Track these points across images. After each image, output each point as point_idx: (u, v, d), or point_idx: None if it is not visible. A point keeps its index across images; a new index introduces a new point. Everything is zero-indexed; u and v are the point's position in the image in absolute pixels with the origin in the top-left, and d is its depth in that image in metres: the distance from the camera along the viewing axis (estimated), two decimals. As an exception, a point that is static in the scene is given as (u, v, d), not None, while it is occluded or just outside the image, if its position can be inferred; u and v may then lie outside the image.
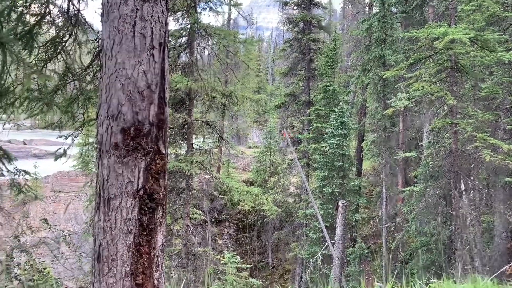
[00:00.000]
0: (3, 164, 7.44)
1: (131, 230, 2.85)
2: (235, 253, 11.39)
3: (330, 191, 17.28)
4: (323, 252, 17.14)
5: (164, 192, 3.06)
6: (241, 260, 12.06)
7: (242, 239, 25.72)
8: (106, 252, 2.85)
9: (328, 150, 18.00)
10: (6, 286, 3.85)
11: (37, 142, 46.99)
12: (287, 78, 23.53)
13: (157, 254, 3.05)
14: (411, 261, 15.55)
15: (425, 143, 15.69)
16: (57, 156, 4.97)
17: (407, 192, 15.30)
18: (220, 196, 17.23)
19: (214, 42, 5.11)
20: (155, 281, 3.02)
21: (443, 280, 4.73)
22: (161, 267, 3.10)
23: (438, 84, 10.88)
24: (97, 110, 2.93)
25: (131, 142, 2.81)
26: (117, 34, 2.77)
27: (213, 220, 23.46)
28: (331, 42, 22.40)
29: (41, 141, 47.99)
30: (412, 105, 13.55)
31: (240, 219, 26.15)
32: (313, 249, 17.77)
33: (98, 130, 2.94)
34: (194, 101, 8.85)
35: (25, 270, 3.68)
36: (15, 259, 3.86)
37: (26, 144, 43.30)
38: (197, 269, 8.81)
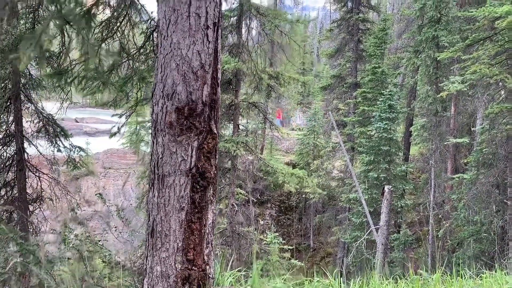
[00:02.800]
0: (60, 140, 7.85)
1: (184, 207, 2.93)
2: (277, 234, 11.48)
3: (376, 176, 16.92)
4: (367, 237, 16.96)
5: (215, 171, 3.11)
6: (283, 242, 12.14)
7: (284, 220, 25.86)
8: (160, 227, 2.95)
9: (375, 134, 17.57)
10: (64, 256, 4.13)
11: (88, 120, 48.93)
12: (334, 60, 23.03)
13: (207, 232, 3.12)
14: (459, 250, 15.06)
15: (478, 128, 14.95)
16: (111, 134, 5.17)
17: (457, 179, 14.72)
18: (264, 177, 17.33)
19: (264, 22, 5.05)
20: (205, 257, 3.10)
21: (495, 271, 4.53)
22: (211, 244, 3.17)
23: (496, 67, 10.27)
24: (153, 89, 2.99)
25: (185, 121, 2.86)
26: (172, 14, 2.79)
27: (255, 201, 23.71)
28: (380, 22, 21.54)
29: (92, 119, 49.99)
30: (466, 89, 12.92)
31: (282, 201, 26.27)
32: (356, 233, 17.58)
33: (153, 109, 3.00)
34: (241, 82, 8.90)
35: (81, 241, 3.91)
36: (73, 231, 4.10)
37: (78, 122, 45.29)
38: (240, 247, 8.97)
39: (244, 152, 9.29)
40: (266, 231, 19.08)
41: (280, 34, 5.83)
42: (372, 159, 17.23)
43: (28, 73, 7.01)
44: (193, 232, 2.99)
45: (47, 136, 7.57)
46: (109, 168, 26.04)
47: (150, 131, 3.02)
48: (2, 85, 6.85)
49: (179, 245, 2.94)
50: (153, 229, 2.98)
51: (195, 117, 2.88)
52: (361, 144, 18.85)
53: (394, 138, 17.38)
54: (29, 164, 7.36)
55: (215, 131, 3.03)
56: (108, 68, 3.99)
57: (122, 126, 5.05)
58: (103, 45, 3.96)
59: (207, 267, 3.09)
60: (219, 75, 3.03)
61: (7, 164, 7.22)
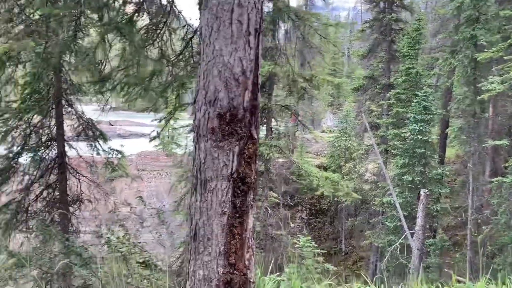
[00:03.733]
0: (99, 143, 8.09)
1: (225, 211, 2.96)
2: (310, 237, 11.38)
3: (410, 179, 16.56)
4: (401, 241, 16.59)
5: (255, 176, 3.13)
6: (315, 245, 12.04)
7: (315, 224, 25.68)
8: (202, 231, 2.98)
9: (409, 136, 17.21)
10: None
11: (121, 123, 50.14)
12: (366, 60, 22.72)
13: (248, 236, 3.14)
14: (499, 256, 14.52)
15: (519, 130, 14.38)
16: (151, 138, 5.31)
17: (496, 182, 14.20)
18: (297, 180, 17.27)
19: (300, 24, 5.03)
20: (246, 262, 3.11)
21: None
22: (252, 249, 3.18)
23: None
24: (195, 96, 3.04)
25: (227, 127, 2.89)
26: (215, 22, 2.83)
27: (285, 203, 23.64)
28: (414, 22, 21.08)
29: (125, 122, 51.23)
30: (506, 90, 12.48)
31: (313, 204, 26.08)
32: (390, 238, 17.26)
33: (195, 115, 3.05)
34: (274, 86, 8.93)
35: (123, 243, 4.02)
36: (114, 232, 4.22)
37: (111, 125, 46.51)
38: (273, 251, 8.97)
39: (277, 155, 9.28)
40: (297, 235, 18.99)
41: (312, 36, 5.80)
42: (406, 161, 16.89)
43: (68, 79, 7.28)
44: (234, 237, 3.02)
45: (86, 140, 7.83)
46: (143, 170, 26.60)
47: (191, 136, 3.06)
48: (45, 90, 7.16)
49: (221, 249, 2.97)
50: (196, 233, 3.02)
51: (237, 122, 2.90)
52: (395, 147, 18.51)
53: (430, 140, 16.98)
54: (69, 166, 7.63)
55: (255, 136, 3.05)
56: (149, 74, 4.07)
57: (161, 130, 5.16)
58: (143, 51, 4.05)
59: (248, 271, 3.11)
60: (259, 80, 3.05)
61: (49, 167, 7.51)
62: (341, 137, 24.79)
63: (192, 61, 4.15)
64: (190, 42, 4.24)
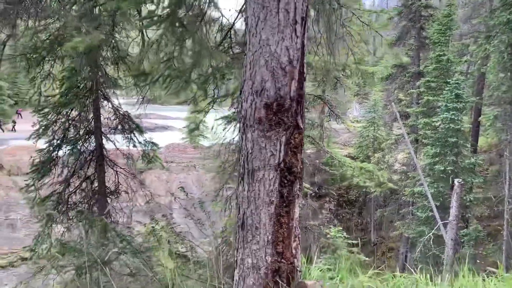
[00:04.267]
0: (135, 136, 8.26)
1: (273, 200, 2.98)
2: (341, 228, 11.37)
3: (442, 169, 16.23)
4: (430, 232, 16.30)
5: (301, 166, 3.13)
6: (346, 236, 11.99)
7: (343, 215, 25.51)
8: (250, 220, 3.02)
9: (441, 125, 16.84)
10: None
11: (147, 116, 50.64)
12: (395, 48, 22.24)
13: (294, 225, 3.16)
14: (536, 248, 14.11)
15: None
16: (190, 130, 5.38)
17: (533, 172, 13.76)
18: (329, 170, 17.15)
19: (341, 12, 4.98)
20: (293, 251, 3.14)
21: None
22: (298, 238, 3.20)
23: None
24: (241, 87, 3.06)
25: (274, 117, 2.90)
26: (261, 11, 2.83)
27: (313, 194, 23.57)
28: (445, 8, 20.51)
29: (152, 115, 51.91)
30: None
31: (341, 195, 25.90)
32: (421, 228, 17.00)
33: (241, 106, 3.07)
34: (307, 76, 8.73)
35: (168, 232, 4.10)
36: (157, 222, 4.32)
37: (138, 118, 47.02)
38: (306, 241, 8.98)
39: (310, 145, 9.23)
40: (327, 225, 18.93)
41: (353, 23, 5.69)
42: (438, 151, 16.55)
43: (105, 73, 7.43)
44: (281, 226, 3.04)
45: (123, 132, 8.00)
46: (171, 162, 26.98)
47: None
48: (83, 85, 7.34)
49: (269, 238, 2.99)
50: (244, 222, 3.06)
51: (283, 112, 2.91)
52: (426, 136, 18.15)
53: (462, 129, 16.56)
54: (107, 159, 7.82)
55: (301, 126, 3.05)
56: (190, 66, 4.10)
57: (200, 122, 5.22)
58: (184, 44, 4.07)
59: (295, 260, 3.13)
60: (305, 69, 3.04)
61: (87, 159, 7.72)
62: (369, 127, 24.45)
63: (231, 52, 4.16)
64: (229, 33, 4.25)
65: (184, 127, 32.62)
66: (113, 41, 5.63)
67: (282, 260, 3.06)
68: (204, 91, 4.09)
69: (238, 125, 6.29)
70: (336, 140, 30.53)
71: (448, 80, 17.49)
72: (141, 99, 5.61)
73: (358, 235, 24.26)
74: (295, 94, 2.94)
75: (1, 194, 23.44)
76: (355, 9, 5.24)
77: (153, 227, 3.97)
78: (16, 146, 28.68)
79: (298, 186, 3.11)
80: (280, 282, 3.05)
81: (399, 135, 21.70)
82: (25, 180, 7.31)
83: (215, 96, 4.38)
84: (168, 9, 4.03)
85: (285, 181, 3.01)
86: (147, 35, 4.80)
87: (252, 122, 2.94)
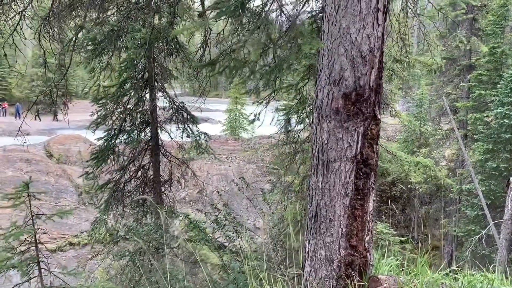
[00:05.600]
0: (189, 126, 8.38)
1: (348, 193, 2.92)
2: (388, 224, 11.11)
3: (495, 166, 15.52)
4: (480, 231, 15.68)
5: (377, 158, 3.05)
6: (394, 232, 11.71)
7: (386, 211, 24.94)
8: (324, 212, 2.98)
9: (494, 120, 16.09)
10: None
11: (189, 108, 51.26)
12: (445, 40, 21.40)
13: (368, 219, 3.09)
14: None
15: None
16: (250, 121, 5.39)
17: None
18: (383, 165, 16.72)
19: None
20: (366, 245, 3.07)
21: None
22: (371, 231, 3.13)
23: None
24: (317, 76, 3.00)
25: (352, 107, 2.84)
26: (342, -1, 2.76)
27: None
28: (500, -3, 19.48)
29: (189, 107, 52.45)
30: None
31: (383, 191, 25.32)
32: (470, 227, 16.39)
33: (317, 95, 3.02)
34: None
35: (231, 222, 4.15)
36: (221, 211, 4.37)
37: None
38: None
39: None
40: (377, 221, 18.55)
41: (417, 14, 5.46)
42: (490, 147, 15.83)
43: (160, 64, 7.58)
44: (356, 219, 2.98)
45: (177, 123, 8.14)
46: (212, 153, 27.26)
47: (313, 116, 3.03)
48: (140, 76, 7.51)
49: (343, 230, 2.95)
50: (317, 214, 3.02)
51: (362, 102, 2.84)
52: (477, 131, 17.41)
53: (517, 124, 15.75)
54: (162, 148, 7.99)
55: (379, 117, 2.97)
56: (256, 56, 4.06)
57: (259, 113, 5.23)
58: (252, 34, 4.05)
59: (368, 254, 3.07)
60: (384, 58, 2.95)
61: (143, 149, 7.91)
62: (415, 122, 23.69)
63: (294, 42, 4.09)
64: (292, 23, 4.19)
65: (225, 119, 32.68)
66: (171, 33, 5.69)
67: (355, 253, 3.01)
68: (267, 81, 4.07)
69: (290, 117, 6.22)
70: (381, 135, 29.84)
71: (503, 73, 16.66)
72: (201, 90, 5.67)
73: (401, 232, 23.69)
74: (374, 84, 2.86)
75: (51, 181, 24.52)
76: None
77: (216, 215, 4.00)
78: (65, 135, 29.89)
79: (373, 179, 3.04)
80: (354, 275, 3.00)
81: (447, 130, 20.94)
82: (84, 168, 7.60)
83: (278, 87, 4.35)
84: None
85: (361, 173, 2.94)
86: (209, 27, 4.82)
87: (329, 112, 2.89)
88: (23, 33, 5.31)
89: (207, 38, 5.00)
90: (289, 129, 5.44)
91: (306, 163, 5.63)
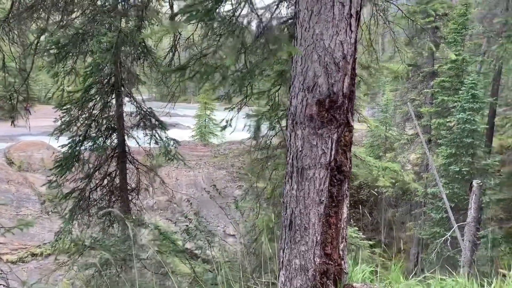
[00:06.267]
0: (157, 133, 8.20)
1: (323, 200, 2.89)
2: (356, 228, 11.24)
3: (457, 169, 16.05)
4: (445, 233, 16.18)
5: (350, 165, 3.03)
6: (362, 236, 11.86)
7: (353, 214, 25.30)
8: (299, 220, 2.93)
9: (456, 125, 16.65)
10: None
11: (157, 114, 50.57)
12: (408, 47, 22.03)
13: (342, 226, 3.07)
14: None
15: None
16: (222, 128, 5.32)
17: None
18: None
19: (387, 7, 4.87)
20: (341, 252, 3.05)
21: None
22: (345, 239, 3.11)
23: None
24: (291, 82, 2.97)
25: (326, 114, 2.81)
26: (315, 4, 2.73)
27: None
28: (461, 7, 20.25)
29: (157, 112, 51.73)
30: None
31: (351, 194, 25.65)
32: (435, 229, 16.85)
33: (290, 102, 2.98)
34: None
35: (202, 231, 4.03)
36: (191, 221, 4.27)
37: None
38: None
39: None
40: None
41: (387, 21, 5.53)
42: (453, 151, 16.36)
43: (127, 69, 7.37)
44: (330, 226, 2.96)
45: (145, 129, 7.94)
46: (181, 160, 26.90)
47: (287, 123, 3.00)
48: (107, 80, 7.28)
49: (318, 238, 2.91)
50: (291, 222, 2.97)
51: (336, 109, 2.82)
52: (440, 136, 17.96)
53: (478, 129, 16.36)
54: (130, 156, 7.77)
55: (352, 124, 2.96)
56: (232, 61, 3.99)
57: (231, 119, 5.15)
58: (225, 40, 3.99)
59: (342, 262, 3.04)
60: (356, 65, 2.94)
61: (109, 156, 7.67)
62: (381, 127, 24.23)
63: (267, 48, 4.06)
64: (265, 28, 4.16)
65: (195, 124, 32.31)
66: (139, 37, 5.55)
67: (330, 261, 2.98)
68: (239, 88, 4.01)
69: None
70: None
71: (464, 80, 17.30)
72: (171, 95, 5.54)
73: (368, 235, 24.09)
74: (347, 90, 2.85)
75: (12, 189, 23.52)
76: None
77: (187, 225, 3.89)
78: (26, 142, 28.79)
79: (346, 186, 3.02)
80: (329, 284, 2.96)
81: (411, 135, 21.51)
82: (47, 176, 7.29)
83: (249, 93, 4.30)
84: (206, 3, 3.95)
85: (335, 180, 2.92)
86: (178, 32, 4.72)
87: (303, 119, 2.86)
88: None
89: (176, 42, 4.91)
90: (260, 135, 5.39)
91: (278, 169, 5.62)
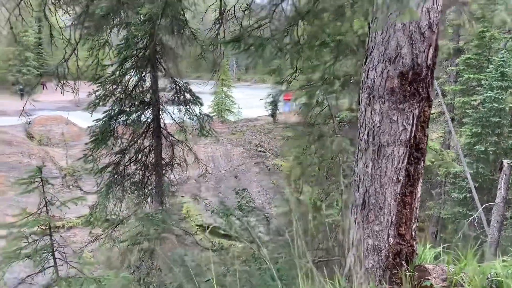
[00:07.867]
0: (191, 108, 8.08)
1: (400, 179, 2.76)
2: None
3: (483, 149, 15.72)
4: (468, 213, 16.01)
5: (427, 142, 2.89)
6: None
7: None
8: (373, 199, 2.81)
9: (482, 104, 16.24)
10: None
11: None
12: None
13: (416, 206, 2.94)
14: None
15: None
16: (269, 103, 5.20)
17: None
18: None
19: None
20: (413, 233, 2.93)
21: None
22: (417, 219, 2.99)
23: None
24: (368, 53, 2.79)
25: (409, 87, 2.65)
26: (402, -32, 2.54)
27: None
28: (490, -19, 19.48)
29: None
30: None
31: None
32: (457, 209, 16.66)
33: (367, 75, 2.81)
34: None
35: (253, 208, 3.97)
36: (243, 197, 4.19)
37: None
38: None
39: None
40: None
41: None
42: (479, 131, 16.01)
43: (161, 43, 7.20)
44: (405, 206, 2.83)
45: (179, 104, 7.81)
46: (215, 136, 26.85)
47: (362, 96, 2.82)
48: (142, 54, 7.13)
49: (393, 219, 2.79)
50: (365, 201, 2.85)
51: (419, 82, 2.65)
52: (465, 115, 17.58)
53: (506, 109, 15.94)
54: (164, 130, 7.69)
55: (432, 98, 2.79)
56: (282, 32, 3.83)
57: (280, 94, 4.99)
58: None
59: (414, 242, 2.93)
60: (440, 36, 2.76)
61: (144, 130, 7.59)
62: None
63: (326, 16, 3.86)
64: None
65: (212, 101, 32.13)
66: (179, 8, 5.37)
67: (403, 242, 2.87)
68: (294, 60, 3.84)
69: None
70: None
71: (490, 58, 16.78)
72: (216, 69, 5.40)
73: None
74: (431, 62, 2.67)
75: (34, 163, 23.80)
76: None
77: (239, 201, 3.80)
78: (45, 116, 28.97)
79: (422, 164, 2.88)
80: (402, 264, 2.86)
81: (433, 113, 21.11)
82: (83, 151, 7.25)
83: (297, 67, 4.13)
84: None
85: (412, 158, 2.78)
86: (224, 2, 4.53)
87: (382, 93, 2.69)
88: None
89: (222, 14, 4.71)
90: (304, 109, 5.22)
91: (324, 147, 5.44)
